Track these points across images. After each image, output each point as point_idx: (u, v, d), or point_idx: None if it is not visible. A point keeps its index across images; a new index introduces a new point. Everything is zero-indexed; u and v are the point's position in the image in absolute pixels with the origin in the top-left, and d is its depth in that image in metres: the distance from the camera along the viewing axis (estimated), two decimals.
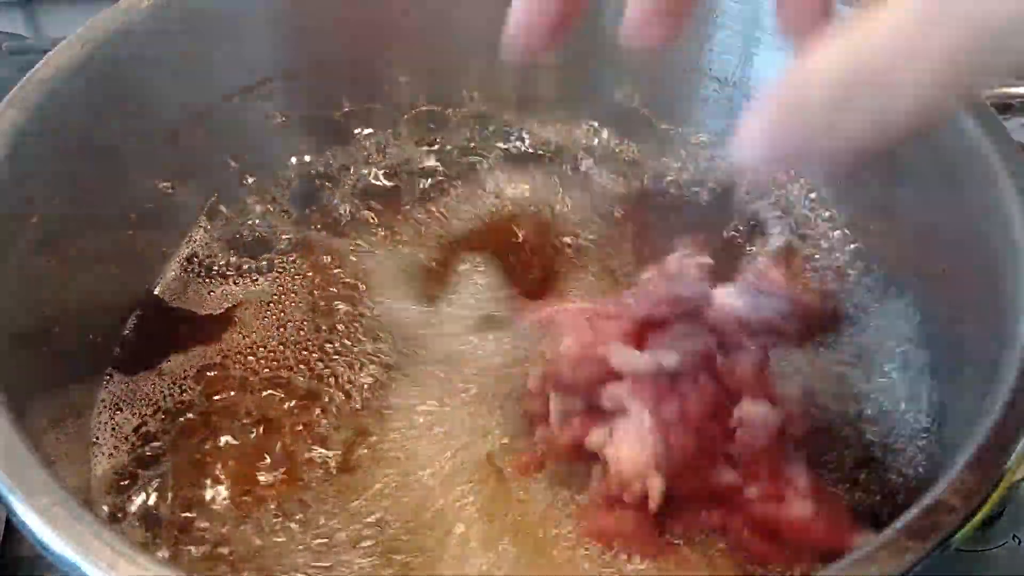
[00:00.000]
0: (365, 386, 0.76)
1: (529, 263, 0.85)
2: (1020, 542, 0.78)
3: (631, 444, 0.68)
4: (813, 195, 0.88)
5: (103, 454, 0.72)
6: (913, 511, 0.54)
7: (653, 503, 0.67)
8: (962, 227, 0.73)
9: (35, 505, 0.53)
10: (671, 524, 0.68)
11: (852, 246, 0.85)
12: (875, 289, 0.82)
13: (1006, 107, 0.76)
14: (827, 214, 0.87)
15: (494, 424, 0.73)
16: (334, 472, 0.71)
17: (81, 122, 0.76)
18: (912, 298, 0.79)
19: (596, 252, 0.86)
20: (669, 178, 0.92)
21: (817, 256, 0.85)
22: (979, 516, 0.55)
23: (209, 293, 0.82)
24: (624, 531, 0.67)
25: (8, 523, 0.73)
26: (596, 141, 0.96)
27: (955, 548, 0.54)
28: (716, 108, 0.93)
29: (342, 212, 0.89)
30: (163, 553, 0.67)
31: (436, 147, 0.95)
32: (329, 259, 0.85)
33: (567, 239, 0.87)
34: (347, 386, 0.76)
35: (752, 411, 0.69)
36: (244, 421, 0.74)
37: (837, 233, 0.86)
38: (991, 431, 0.57)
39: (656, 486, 0.67)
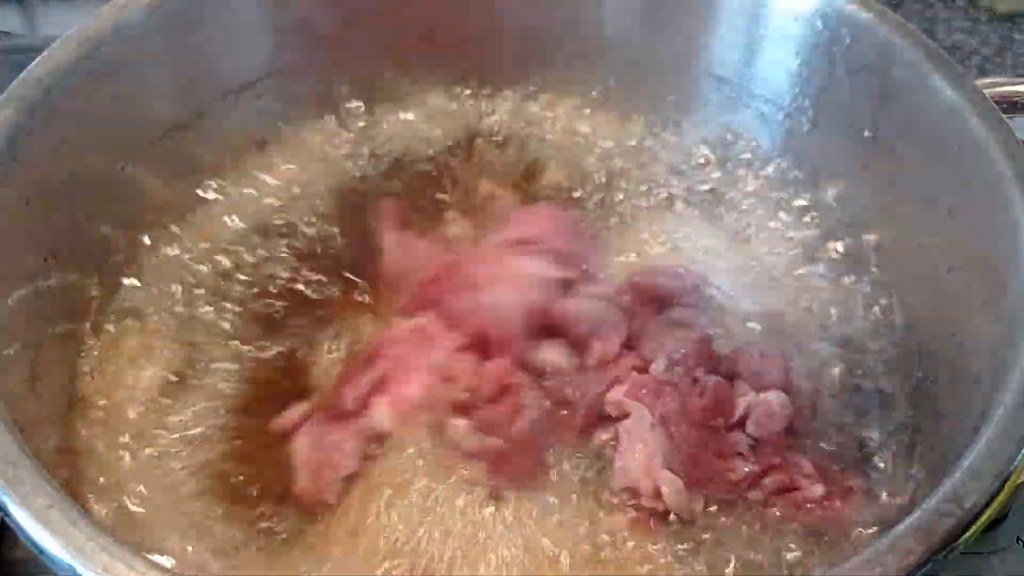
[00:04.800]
0: None
1: None
2: None
3: (633, 444, 0.69)
4: (818, 197, 0.88)
5: None
6: (918, 514, 0.54)
7: (668, 501, 0.67)
8: (966, 226, 0.72)
9: (30, 508, 0.53)
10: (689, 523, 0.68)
11: (857, 250, 0.85)
12: (877, 291, 0.82)
13: (1011, 105, 0.76)
14: (832, 216, 0.87)
15: None
16: None
17: (77, 120, 0.75)
18: (915, 299, 0.79)
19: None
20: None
21: (819, 260, 0.85)
22: (984, 519, 0.55)
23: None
24: (638, 532, 0.68)
25: (3, 525, 0.73)
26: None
27: (960, 550, 0.54)
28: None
29: (339, 203, 0.89)
30: None
31: (437, 142, 0.95)
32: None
33: None
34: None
35: (769, 399, 0.70)
36: None
37: (838, 234, 0.86)
38: (995, 434, 0.57)
39: (668, 482, 0.67)
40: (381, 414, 0.71)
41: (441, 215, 0.88)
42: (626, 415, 0.71)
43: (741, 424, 0.71)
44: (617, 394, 0.72)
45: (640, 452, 0.69)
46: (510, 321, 0.73)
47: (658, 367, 0.72)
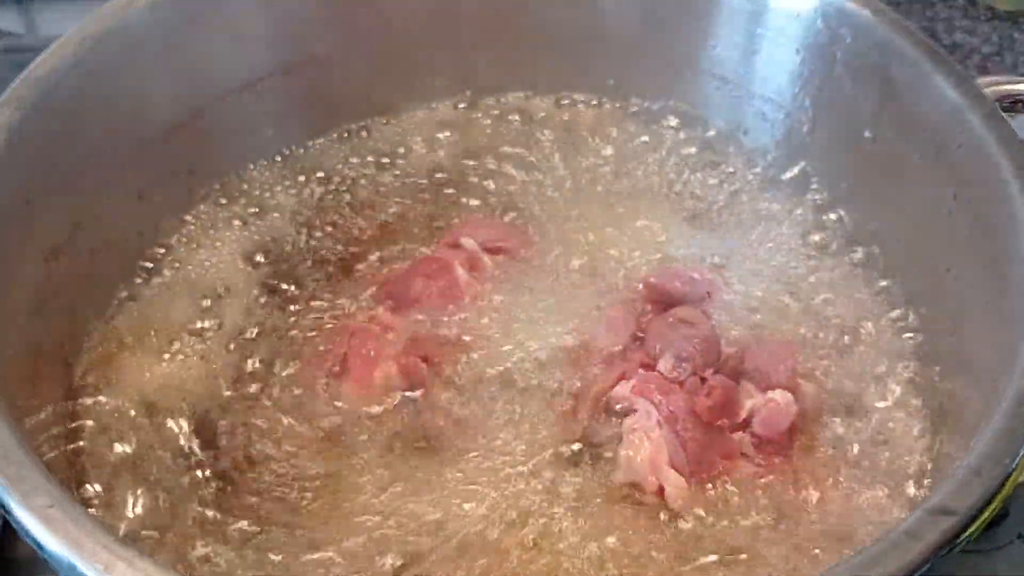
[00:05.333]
0: None
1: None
2: None
3: (639, 440, 0.69)
4: (819, 197, 0.88)
5: None
6: (919, 512, 0.54)
7: (671, 499, 0.67)
8: (967, 225, 0.72)
9: (32, 506, 0.53)
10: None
11: (858, 250, 0.85)
12: (878, 292, 0.82)
13: (1012, 104, 0.76)
14: (834, 216, 0.87)
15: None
16: None
17: (77, 120, 0.75)
18: (916, 299, 0.79)
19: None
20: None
21: (821, 260, 0.85)
22: (985, 517, 0.55)
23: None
24: (639, 528, 0.68)
25: (5, 524, 0.73)
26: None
27: (961, 548, 0.54)
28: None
29: (339, 200, 0.90)
30: None
31: (439, 141, 0.95)
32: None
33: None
34: None
35: (775, 398, 0.70)
36: None
37: (838, 232, 0.86)
38: (996, 432, 0.57)
39: (672, 480, 0.67)
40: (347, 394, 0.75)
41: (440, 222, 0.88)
42: (632, 411, 0.71)
43: (746, 424, 0.71)
44: (624, 389, 0.72)
45: (646, 448, 0.69)
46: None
47: (666, 364, 0.72)
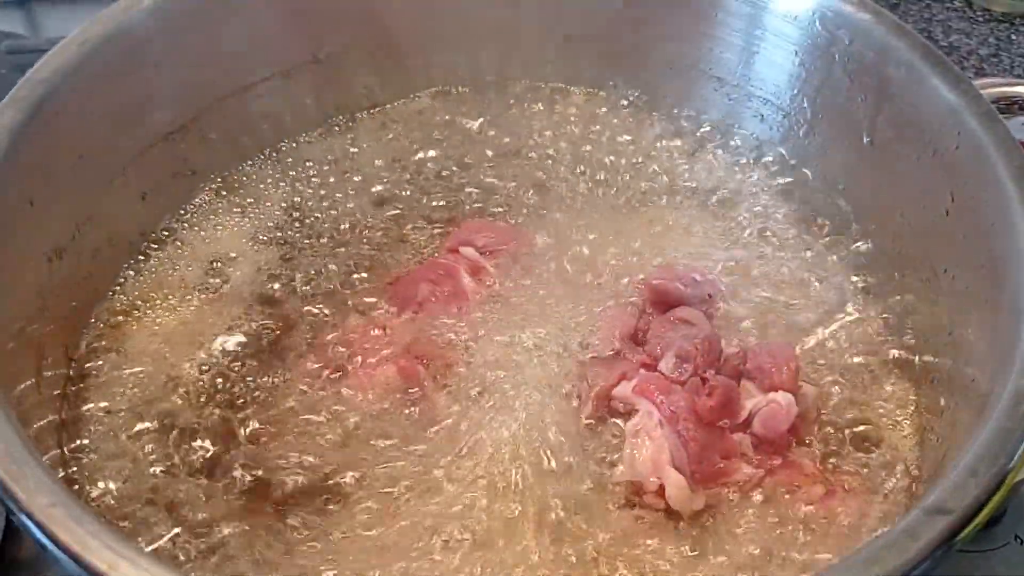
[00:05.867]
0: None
1: None
2: (1022, 542, 0.78)
3: (641, 440, 0.69)
4: (816, 198, 0.89)
5: None
6: (916, 512, 0.54)
7: (671, 499, 0.67)
8: (963, 226, 0.72)
9: (35, 505, 0.53)
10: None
11: (855, 250, 0.85)
12: (875, 291, 0.82)
13: (1009, 106, 0.76)
14: (831, 217, 0.88)
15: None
16: None
17: (79, 122, 0.75)
18: (913, 298, 0.79)
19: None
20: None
21: (818, 259, 0.85)
22: (981, 517, 0.55)
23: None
24: (639, 528, 0.68)
25: (8, 524, 0.73)
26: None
27: (958, 548, 0.54)
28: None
29: (335, 193, 0.90)
30: None
31: (434, 137, 0.95)
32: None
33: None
34: None
35: (775, 399, 0.71)
36: None
37: (836, 233, 0.87)
38: (993, 433, 0.57)
39: (673, 481, 0.67)
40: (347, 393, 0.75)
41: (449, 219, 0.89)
42: (634, 411, 0.71)
43: (746, 424, 0.71)
44: (625, 389, 0.72)
45: (647, 449, 0.69)
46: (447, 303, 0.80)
47: (667, 364, 0.73)
